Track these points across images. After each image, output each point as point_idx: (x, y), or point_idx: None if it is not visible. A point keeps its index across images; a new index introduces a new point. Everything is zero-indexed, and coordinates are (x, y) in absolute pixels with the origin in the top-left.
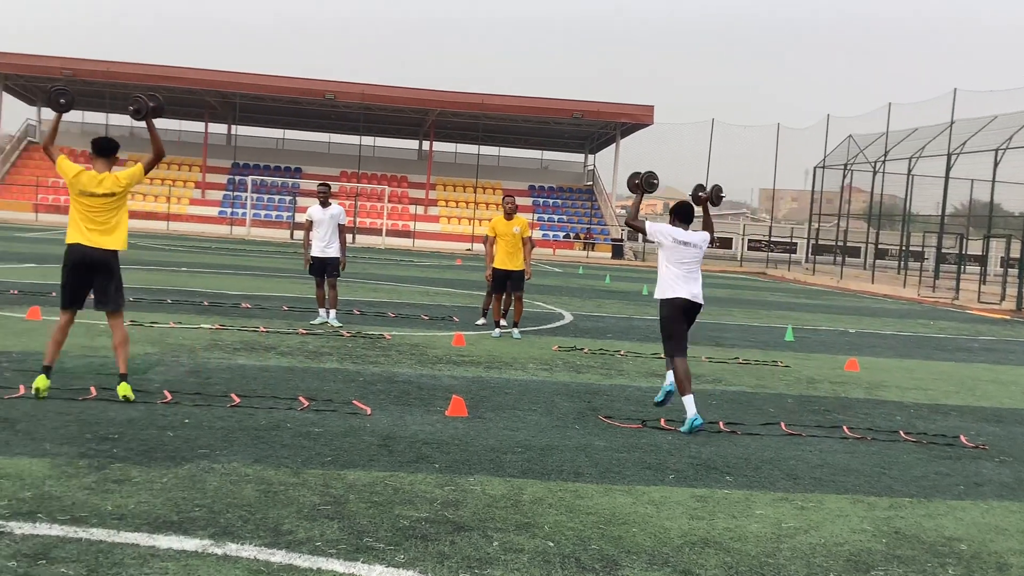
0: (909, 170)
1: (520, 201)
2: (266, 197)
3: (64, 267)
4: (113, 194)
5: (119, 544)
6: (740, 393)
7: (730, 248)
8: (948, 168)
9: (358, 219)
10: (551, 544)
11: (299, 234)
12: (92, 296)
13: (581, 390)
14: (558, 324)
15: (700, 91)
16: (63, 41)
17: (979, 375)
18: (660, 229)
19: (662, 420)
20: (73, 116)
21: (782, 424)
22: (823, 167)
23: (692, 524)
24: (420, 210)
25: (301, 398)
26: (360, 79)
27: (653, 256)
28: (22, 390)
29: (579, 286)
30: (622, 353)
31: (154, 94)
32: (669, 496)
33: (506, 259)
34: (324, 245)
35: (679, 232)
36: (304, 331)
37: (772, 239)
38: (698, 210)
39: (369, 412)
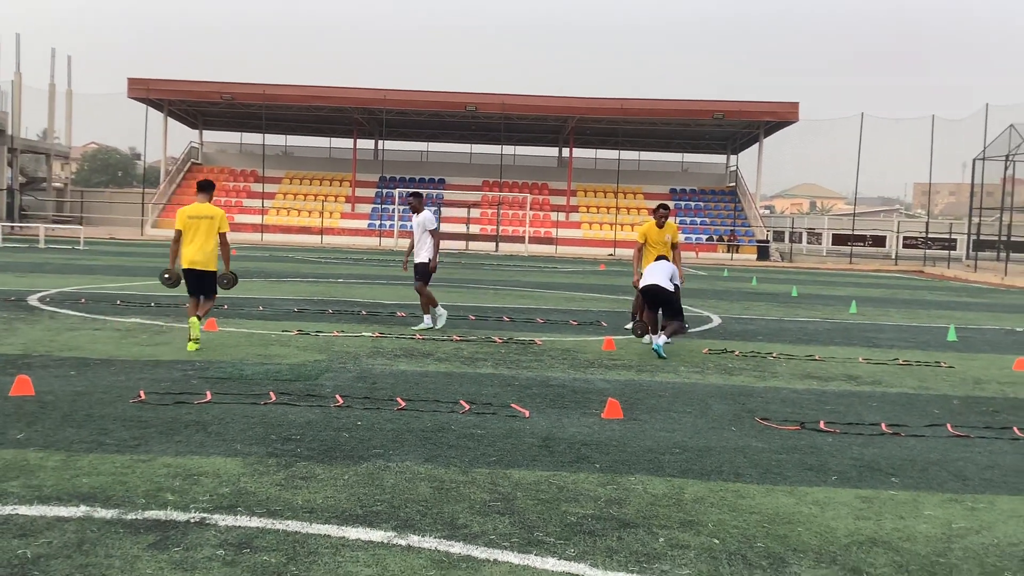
0: None
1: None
2: None
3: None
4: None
5: (312, 535)
6: (902, 395)
7: (883, 247)
8: None
9: (500, 227)
10: (716, 541)
11: (444, 243)
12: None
13: (734, 392)
14: (707, 327)
15: (847, 87)
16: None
17: None
18: None
19: (821, 423)
20: (231, 137)
21: (948, 425)
22: (983, 159)
23: (858, 524)
24: (561, 216)
25: (462, 402)
26: (500, 89)
27: (800, 257)
28: (209, 396)
29: (725, 288)
30: (774, 355)
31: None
32: (833, 497)
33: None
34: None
35: None
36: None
37: (929, 235)
38: None
39: (528, 415)
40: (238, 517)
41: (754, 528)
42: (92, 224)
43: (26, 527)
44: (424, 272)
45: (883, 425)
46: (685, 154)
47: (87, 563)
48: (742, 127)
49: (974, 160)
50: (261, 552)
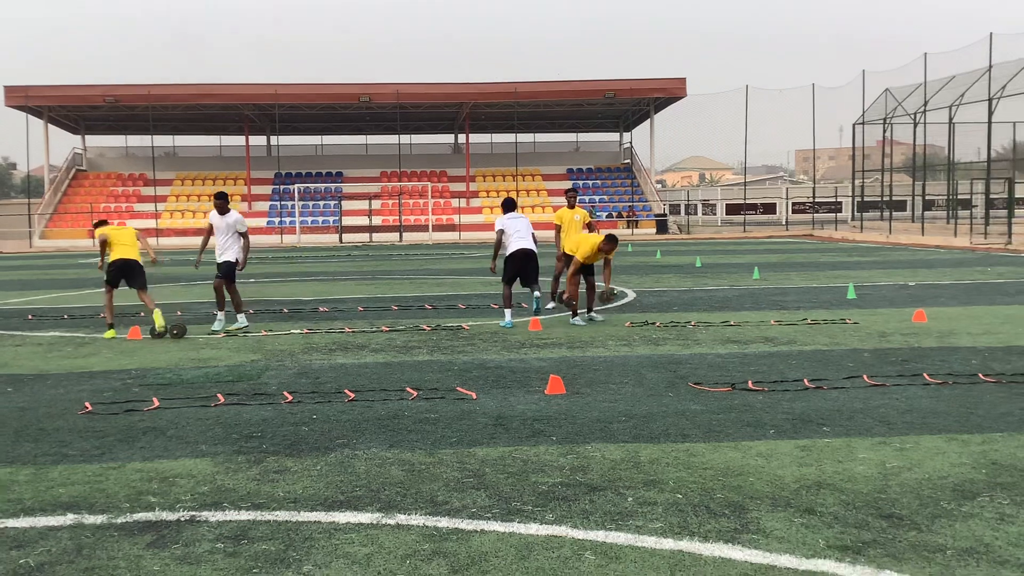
0: (951, 118)
1: (558, 185)
2: (311, 204)
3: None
4: None
5: (303, 522)
6: (816, 352)
7: (774, 213)
8: (990, 113)
9: (403, 217)
10: (679, 496)
11: (346, 236)
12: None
13: (664, 361)
14: (624, 302)
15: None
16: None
17: None
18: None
19: (750, 383)
20: (117, 140)
21: (864, 376)
22: (862, 123)
23: (803, 471)
24: (463, 203)
25: (408, 389)
26: (393, 79)
27: (698, 228)
28: (156, 403)
29: (633, 263)
30: (693, 324)
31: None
32: (775, 448)
33: (568, 243)
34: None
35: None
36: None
37: (816, 200)
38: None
39: (475, 396)
40: (226, 512)
41: (710, 482)
42: None
43: (20, 538)
44: (230, 271)
45: (806, 381)
46: (579, 134)
47: (92, 566)
48: (632, 104)
49: (854, 125)
50: (258, 542)
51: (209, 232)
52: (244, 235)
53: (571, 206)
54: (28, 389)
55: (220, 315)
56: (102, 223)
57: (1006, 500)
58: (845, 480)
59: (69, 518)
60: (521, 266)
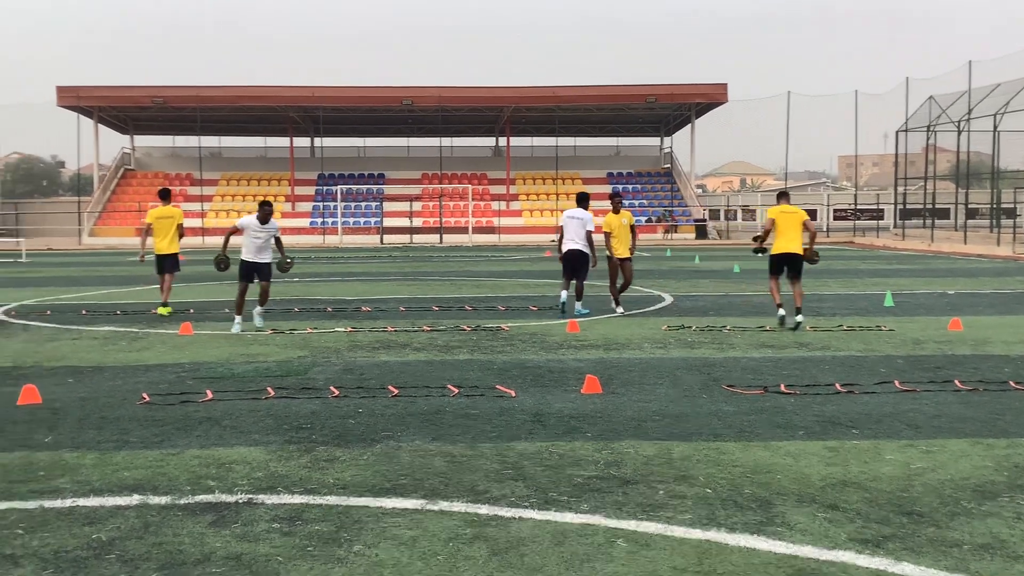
0: (995, 126)
1: (599, 189)
2: (353, 205)
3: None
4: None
5: (353, 507)
6: (850, 357)
7: (815, 219)
8: None
9: (443, 219)
10: (709, 491)
11: (388, 238)
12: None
13: (698, 364)
14: (660, 306)
15: (774, 65)
16: (149, 70)
17: None
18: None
19: (782, 386)
20: (164, 140)
21: (896, 382)
22: (906, 130)
23: (829, 470)
24: (502, 205)
25: (449, 386)
26: (435, 83)
27: (737, 234)
28: (210, 395)
29: (670, 268)
30: (728, 328)
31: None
32: (803, 449)
33: (618, 248)
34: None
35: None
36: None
37: (858, 207)
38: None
39: (514, 395)
40: (280, 496)
41: (739, 478)
42: (26, 235)
43: (90, 516)
44: (270, 272)
45: (837, 385)
46: (620, 138)
47: (159, 542)
48: (674, 109)
49: (897, 132)
50: (312, 523)
51: (233, 232)
52: (279, 238)
53: (616, 211)
54: (88, 380)
55: (239, 319)
56: (165, 192)
57: None
58: (870, 479)
59: (135, 499)
60: (567, 264)
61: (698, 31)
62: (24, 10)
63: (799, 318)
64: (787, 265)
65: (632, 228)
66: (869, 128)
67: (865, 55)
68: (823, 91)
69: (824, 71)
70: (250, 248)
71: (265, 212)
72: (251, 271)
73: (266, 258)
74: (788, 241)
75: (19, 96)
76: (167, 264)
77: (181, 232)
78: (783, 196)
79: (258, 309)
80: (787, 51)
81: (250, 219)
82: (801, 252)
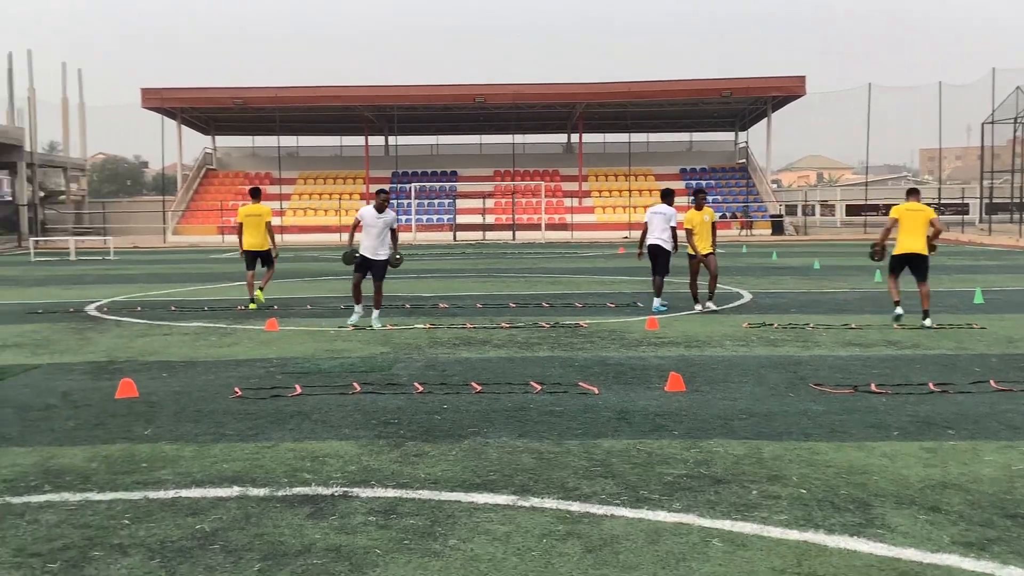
0: None
1: (673, 185)
2: (427, 202)
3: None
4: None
5: (445, 501)
6: (942, 356)
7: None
8: None
9: (516, 216)
10: (804, 491)
11: (462, 235)
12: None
13: (783, 362)
14: (740, 303)
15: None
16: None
17: None
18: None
19: (872, 385)
20: (244, 140)
21: (991, 381)
22: (992, 122)
23: (927, 471)
24: (575, 202)
25: (532, 383)
26: (508, 80)
27: (815, 230)
28: (299, 389)
29: (748, 264)
30: (811, 326)
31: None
32: (899, 450)
33: (700, 244)
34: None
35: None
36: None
37: (942, 201)
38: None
39: (597, 392)
40: (375, 489)
41: (834, 479)
42: (112, 234)
43: (193, 507)
44: (383, 269)
45: (930, 384)
46: (693, 133)
47: (261, 532)
48: (749, 103)
49: (983, 124)
50: (406, 517)
51: (356, 226)
52: (395, 230)
53: (699, 207)
54: (181, 375)
55: (358, 307)
56: (256, 191)
57: None
58: (970, 481)
59: (235, 490)
60: (653, 259)
61: (772, 26)
62: (107, 15)
63: (927, 321)
64: (909, 265)
65: (713, 225)
66: (952, 120)
67: (947, 48)
68: (905, 82)
69: (904, 64)
70: (367, 240)
71: (381, 200)
72: (365, 266)
73: (382, 255)
74: (912, 241)
75: (104, 99)
76: (261, 259)
77: (270, 229)
78: (912, 193)
79: (375, 313)
80: (865, 45)
81: (367, 209)
82: (925, 252)
